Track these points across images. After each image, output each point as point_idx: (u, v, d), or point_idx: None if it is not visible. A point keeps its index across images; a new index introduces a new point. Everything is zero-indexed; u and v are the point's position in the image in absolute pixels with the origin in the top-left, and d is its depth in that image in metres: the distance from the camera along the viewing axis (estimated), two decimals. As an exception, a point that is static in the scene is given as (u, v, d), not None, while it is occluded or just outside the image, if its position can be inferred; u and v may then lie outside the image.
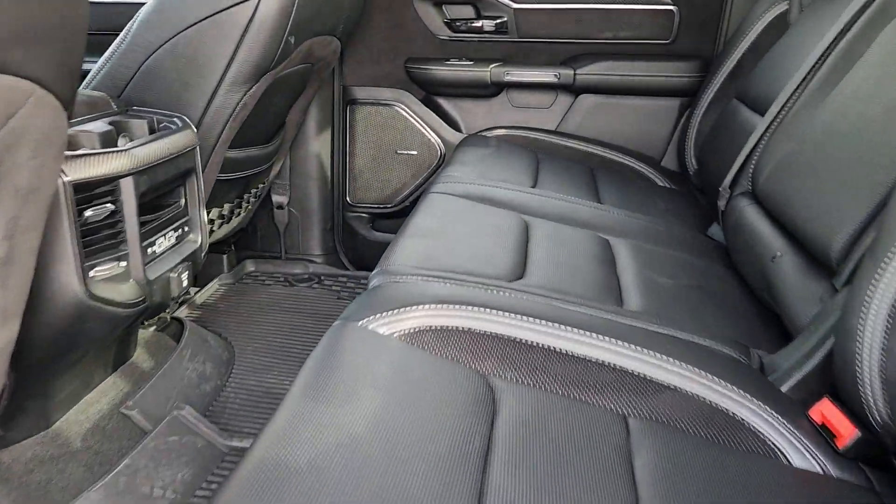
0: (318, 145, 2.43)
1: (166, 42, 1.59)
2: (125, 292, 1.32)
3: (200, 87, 1.62)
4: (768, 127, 1.49)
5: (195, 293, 2.28)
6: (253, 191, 2.20)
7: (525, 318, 1.01)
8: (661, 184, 2.11)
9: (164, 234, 1.44)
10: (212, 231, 2.04)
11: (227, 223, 2.17)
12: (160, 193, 1.44)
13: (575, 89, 2.29)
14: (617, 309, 1.15)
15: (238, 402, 1.74)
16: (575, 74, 2.26)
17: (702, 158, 1.98)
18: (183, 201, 1.52)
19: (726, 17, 2.17)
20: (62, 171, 1.17)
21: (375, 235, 2.51)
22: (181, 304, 2.19)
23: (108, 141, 1.32)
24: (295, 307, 2.22)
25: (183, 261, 1.49)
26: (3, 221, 0.94)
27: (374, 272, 1.21)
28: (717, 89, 2.03)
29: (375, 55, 2.38)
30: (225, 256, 2.42)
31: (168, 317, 1.96)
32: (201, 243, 1.57)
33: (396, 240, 1.35)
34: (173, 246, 1.48)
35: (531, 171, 1.88)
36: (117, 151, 1.27)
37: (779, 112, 1.48)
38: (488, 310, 1.02)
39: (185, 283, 1.47)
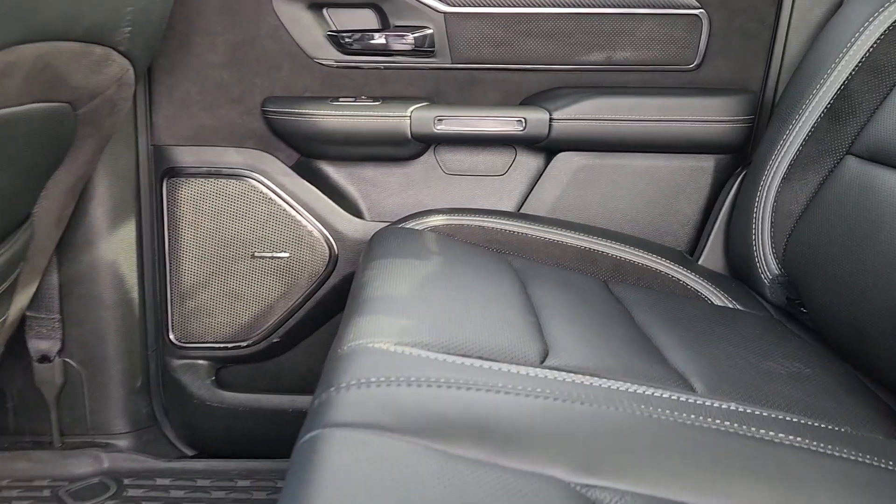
0: (112, 248, 1.38)
1: None
2: None
3: None
4: None
5: None
6: (-43, 355, 1.13)
7: None
8: (718, 302, 1.22)
9: None
10: None
11: None
12: None
13: (550, 144, 1.39)
14: None
15: None
16: (551, 120, 1.36)
17: (805, 263, 1.12)
18: None
19: (784, 26, 1.35)
20: None
21: (222, 397, 1.47)
22: None
23: None
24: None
25: None
26: None
27: None
28: (805, 141, 1.19)
29: (209, 93, 1.39)
30: (-69, 462, 1.31)
31: None
32: None
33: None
34: None
35: (521, 308, 0.94)
36: None
37: None
38: None
39: None
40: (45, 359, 1.40)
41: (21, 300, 1.28)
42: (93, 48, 0.98)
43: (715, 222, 1.36)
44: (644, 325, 1.00)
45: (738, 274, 1.30)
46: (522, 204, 1.44)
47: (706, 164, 1.40)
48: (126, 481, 1.37)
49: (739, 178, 1.35)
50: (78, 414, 1.45)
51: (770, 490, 0.58)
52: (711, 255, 1.37)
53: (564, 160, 1.41)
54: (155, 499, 1.32)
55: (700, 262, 1.36)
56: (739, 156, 1.40)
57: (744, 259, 1.26)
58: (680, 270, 1.27)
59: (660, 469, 0.59)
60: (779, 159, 1.22)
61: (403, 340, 0.75)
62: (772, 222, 1.21)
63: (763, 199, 1.23)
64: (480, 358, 0.73)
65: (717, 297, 1.22)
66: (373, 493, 0.50)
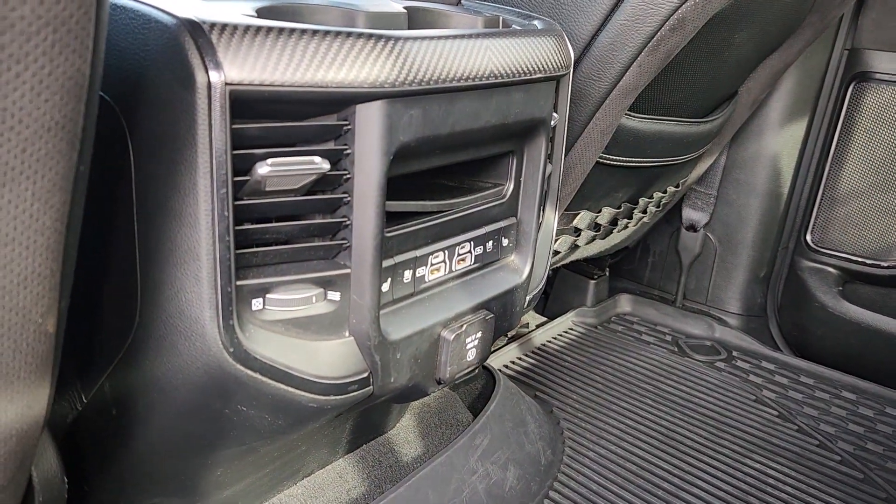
0: (779, 141, 1.47)
1: None
2: (325, 359, 0.60)
3: (603, -21, 0.83)
4: None
5: (536, 326, 1.54)
6: (657, 195, 1.36)
7: None
8: None
9: (450, 249, 0.69)
10: (574, 246, 1.26)
11: (604, 238, 1.37)
12: (456, 161, 0.68)
13: None
14: None
15: (537, 567, 0.94)
16: None
17: None
18: (510, 186, 0.75)
19: None
20: (207, 60, 0.48)
21: (844, 308, 1.47)
22: (516, 338, 1.47)
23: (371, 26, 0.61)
24: (686, 394, 1.33)
25: (482, 306, 0.72)
26: None
27: None
28: None
29: (929, -1, 1.33)
30: (592, 283, 1.63)
31: (477, 364, 1.24)
32: (529, 276, 0.78)
33: None
34: (467, 273, 0.72)
35: None
36: (355, 35, 0.53)
37: None
38: None
39: (469, 356, 0.71)
40: (692, 228, 1.60)
41: (699, 169, 1.47)
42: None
43: None
44: None
45: None
46: None
47: None
48: (734, 353, 1.50)
49: None
50: (702, 284, 1.63)
51: None
52: None
53: None
54: (762, 373, 1.42)
55: None
56: None
57: None
58: None
59: None
60: None
61: None
62: None
63: None
64: None
65: None
66: None
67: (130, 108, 0.52)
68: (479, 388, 1.19)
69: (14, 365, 0.43)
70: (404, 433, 1.03)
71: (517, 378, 1.34)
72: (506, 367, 1.38)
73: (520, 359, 1.41)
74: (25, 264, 0.39)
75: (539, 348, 1.46)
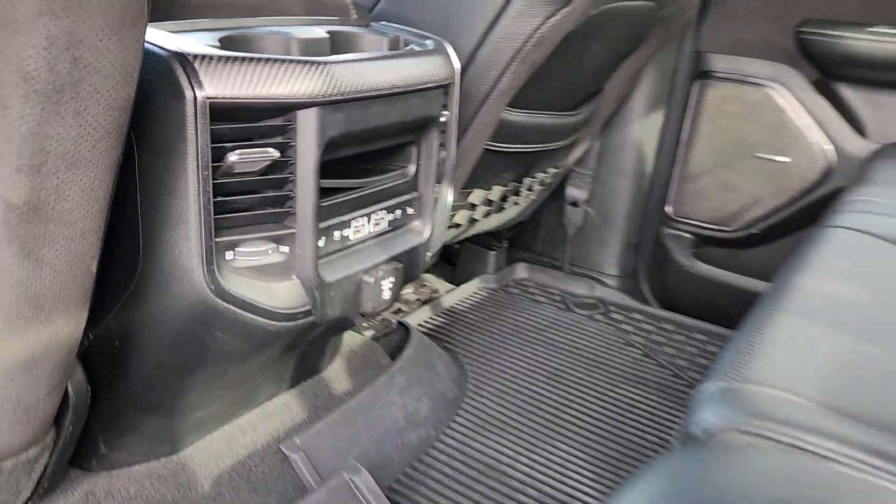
0: (640, 130, 1.76)
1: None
2: (279, 295, 0.82)
3: (480, 4, 1.07)
4: None
5: (446, 292, 1.79)
6: (540, 175, 1.62)
7: None
8: None
9: (368, 215, 0.92)
10: (473, 220, 1.51)
11: (498, 213, 1.62)
12: (371, 150, 0.92)
13: None
14: None
15: (447, 472, 1.18)
16: None
17: None
18: (413, 168, 0.98)
19: None
20: (193, 81, 0.69)
21: (698, 267, 1.78)
22: (428, 301, 1.71)
23: (308, 52, 0.83)
24: (569, 341, 1.60)
25: (393, 259, 0.96)
26: (16, 137, 0.49)
27: (704, 385, 0.54)
28: None
29: (753, 11, 1.63)
30: (493, 254, 1.89)
31: (394, 320, 1.48)
32: (430, 238, 1.02)
33: (759, 324, 0.67)
34: (382, 234, 0.96)
35: None
36: (296, 62, 0.75)
37: None
38: None
39: (385, 295, 0.94)
40: (574, 204, 1.87)
41: (576, 153, 1.74)
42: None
43: None
44: None
45: None
46: None
47: None
48: (610, 307, 1.79)
49: None
50: (584, 251, 1.91)
51: None
52: None
53: None
54: (632, 322, 1.72)
55: None
56: None
57: None
58: None
59: None
60: None
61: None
62: None
63: None
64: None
65: None
66: (875, 270, 0.73)
67: (135, 115, 0.72)
68: (397, 341, 1.43)
69: (71, 294, 0.63)
70: (336, 373, 1.25)
71: (430, 334, 1.58)
72: (420, 325, 1.62)
73: (431, 318, 1.65)
74: (85, 222, 0.60)
75: (448, 309, 1.70)
